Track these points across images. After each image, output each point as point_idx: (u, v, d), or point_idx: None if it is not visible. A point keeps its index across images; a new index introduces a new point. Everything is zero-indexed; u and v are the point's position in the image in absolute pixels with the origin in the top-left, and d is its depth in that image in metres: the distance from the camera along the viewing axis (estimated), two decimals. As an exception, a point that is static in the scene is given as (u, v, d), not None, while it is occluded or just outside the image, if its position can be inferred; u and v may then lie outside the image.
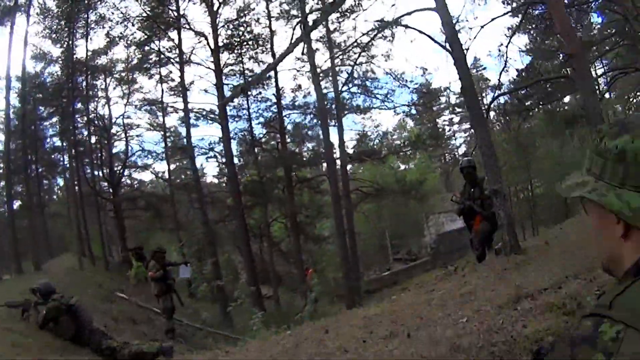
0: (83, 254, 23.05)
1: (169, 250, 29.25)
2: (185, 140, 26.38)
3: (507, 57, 14.62)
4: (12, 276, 18.17)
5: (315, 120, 26.30)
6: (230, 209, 25.23)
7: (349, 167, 27.31)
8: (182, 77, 24.36)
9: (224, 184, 28.37)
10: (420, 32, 11.43)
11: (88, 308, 10.53)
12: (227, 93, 24.49)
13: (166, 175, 30.63)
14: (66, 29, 24.01)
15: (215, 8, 23.72)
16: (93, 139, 28.76)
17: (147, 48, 25.49)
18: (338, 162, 23.33)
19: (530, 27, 21.32)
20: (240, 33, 25.19)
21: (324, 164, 26.10)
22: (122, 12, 24.12)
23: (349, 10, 22.88)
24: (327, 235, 28.92)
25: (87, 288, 14.15)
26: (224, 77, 24.58)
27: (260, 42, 25.87)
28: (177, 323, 12.20)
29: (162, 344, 7.74)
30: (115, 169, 29.16)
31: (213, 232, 23.06)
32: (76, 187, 25.68)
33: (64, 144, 26.69)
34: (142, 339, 9.44)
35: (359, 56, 19.83)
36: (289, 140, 27.17)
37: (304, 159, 27.22)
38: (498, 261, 8.09)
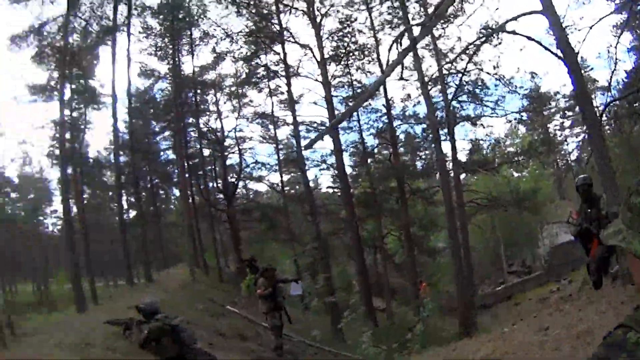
0: (197, 264, 24.95)
1: (283, 261, 31.28)
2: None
3: (616, 59, 14.34)
4: (124, 287, 19.58)
5: (426, 130, 27.02)
6: (344, 221, 26.52)
7: (462, 176, 27.62)
8: (289, 90, 25.75)
9: (338, 196, 29.64)
10: (529, 38, 11.36)
11: (196, 324, 11.35)
12: (337, 106, 25.78)
13: (280, 186, 32.45)
14: (171, 45, 26.23)
15: (318, 20, 24.76)
16: (206, 152, 31.21)
17: (254, 62, 27.07)
18: (451, 172, 23.86)
19: (635, 23, 20.66)
20: (345, 44, 26.16)
21: (437, 175, 26.80)
22: (223, 29, 26.18)
23: (452, 16, 23.12)
24: (441, 247, 29.55)
25: (198, 302, 15.00)
26: (332, 89, 25.61)
27: (366, 52, 26.74)
28: (286, 339, 12.64)
29: None
30: (230, 180, 31.31)
31: (326, 245, 23.99)
32: (189, 199, 27.55)
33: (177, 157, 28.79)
34: (248, 356, 10.24)
35: (467, 64, 19.99)
36: (401, 150, 28.01)
37: (417, 169, 28.00)
38: (615, 291, 7.95)
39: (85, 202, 25.25)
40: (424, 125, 26.57)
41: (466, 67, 19.85)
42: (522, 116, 28.41)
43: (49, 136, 30.00)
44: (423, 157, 30.06)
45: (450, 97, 23.04)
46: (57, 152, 29.54)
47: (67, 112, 27.66)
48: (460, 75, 21.72)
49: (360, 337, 11.92)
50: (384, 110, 26.88)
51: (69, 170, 30.41)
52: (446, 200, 21.63)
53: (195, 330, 10.44)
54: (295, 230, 29.25)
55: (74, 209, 33.74)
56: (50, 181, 41.79)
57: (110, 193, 38.08)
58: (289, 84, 25.76)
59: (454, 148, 24.55)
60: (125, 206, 40.10)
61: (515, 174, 35.21)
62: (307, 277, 16.44)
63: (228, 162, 31.99)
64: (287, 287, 12.44)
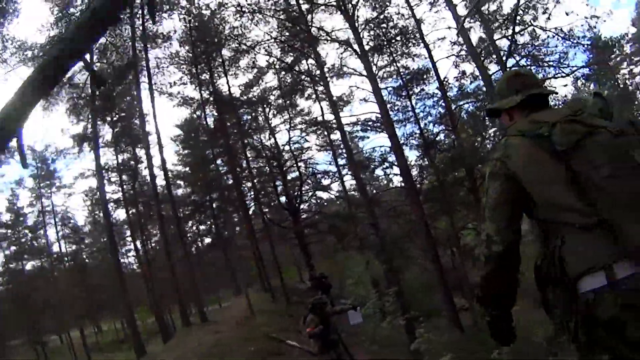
0: (264, 289, 24.94)
1: (356, 272, 30.68)
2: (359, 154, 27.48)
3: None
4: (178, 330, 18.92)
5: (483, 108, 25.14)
6: (414, 222, 25.42)
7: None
8: (328, 91, 25.27)
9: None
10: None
11: None
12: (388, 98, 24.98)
13: (344, 193, 31.85)
14: (206, 69, 26.75)
15: (350, 13, 23.95)
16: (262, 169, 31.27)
17: (296, 68, 27.02)
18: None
19: None
20: (384, 31, 25.36)
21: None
22: (252, 39, 26.18)
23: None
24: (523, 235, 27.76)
25: (251, 341, 14.59)
26: (379, 81, 24.79)
27: (409, 35, 25.68)
28: None
29: None
30: (293, 195, 31.03)
31: (392, 255, 22.99)
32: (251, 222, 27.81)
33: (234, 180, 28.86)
34: None
35: (514, 25, 18.42)
36: (465, 134, 26.50)
37: (487, 152, 26.11)
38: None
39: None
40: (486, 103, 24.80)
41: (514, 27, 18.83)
42: (591, 69, 25.85)
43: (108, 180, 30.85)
44: (492, 137, 28.00)
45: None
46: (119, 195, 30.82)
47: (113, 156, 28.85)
48: (511, 37, 20.28)
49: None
50: (439, 94, 25.78)
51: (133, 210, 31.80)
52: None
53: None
54: (366, 236, 27.93)
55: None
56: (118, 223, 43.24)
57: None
58: (326, 85, 25.25)
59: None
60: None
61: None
62: (373, 296, 14.87)
63: (289, 177, 31.99)
64: (342, 318, 11.52)
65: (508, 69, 21.05)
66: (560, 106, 2.66)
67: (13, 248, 43.40)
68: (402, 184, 25.70)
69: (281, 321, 19.16)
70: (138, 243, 36.84)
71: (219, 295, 57.29)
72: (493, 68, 23.53)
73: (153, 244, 35.25)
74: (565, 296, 2.04)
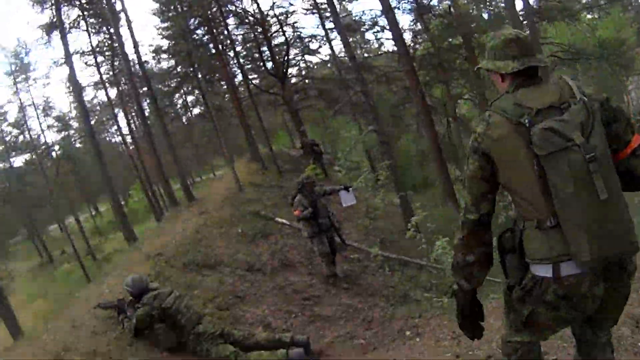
0: (254, 158, 24.61)
1: (349, 139, 30.20)
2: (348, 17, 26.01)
3: None
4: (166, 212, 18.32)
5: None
6: (408, 90, 24.55)
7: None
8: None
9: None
10: None
11: (225, 262, 10.52)
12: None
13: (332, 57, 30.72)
14: None
15: None
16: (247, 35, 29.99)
17: None
18: (525, 22, 20.90)
19: None
20: None
21: (508, 25, 23.64)
22: None
23: None
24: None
25: (239, 220, 13.87)
26: None
27: None
28: (349, 258, 11.69)
29: (293, 339, 6.79)
30: (279, 60, 29.98)
31: (383, 121, 22.23)
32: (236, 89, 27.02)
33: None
34: (285, 300, 9.22)
35: None
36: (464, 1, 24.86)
37: (484, 21, 24.64)
38: None
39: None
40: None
41: None
42: None
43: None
44: (490, 5, 26.27)
45: None
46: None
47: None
48: None
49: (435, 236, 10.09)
50: None
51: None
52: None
53: (224, 277, 9.63)
54: (359, 102, 27.09)
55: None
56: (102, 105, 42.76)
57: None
58: None
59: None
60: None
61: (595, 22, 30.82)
62: (368, 171, 14.12)
63: (274, 42, 30.61)
64: (331, 202, 11.14)
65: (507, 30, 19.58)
66: (552, 80, 2.58)
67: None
68: (395, 50, 24.32)
69: (271, 194, 18.67)
70: (124, 123, 36.50)
71: (213, 164, 58.16)
72: None
73: (138, 122, 34.46)
74: (519, 266, 2.55)
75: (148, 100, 32.33)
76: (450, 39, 23.85)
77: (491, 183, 2.53)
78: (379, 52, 32.02)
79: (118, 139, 46.28)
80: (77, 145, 50.05)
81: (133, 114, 34.85)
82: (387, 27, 23.75)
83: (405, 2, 25.07)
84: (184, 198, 18.18)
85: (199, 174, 58.36)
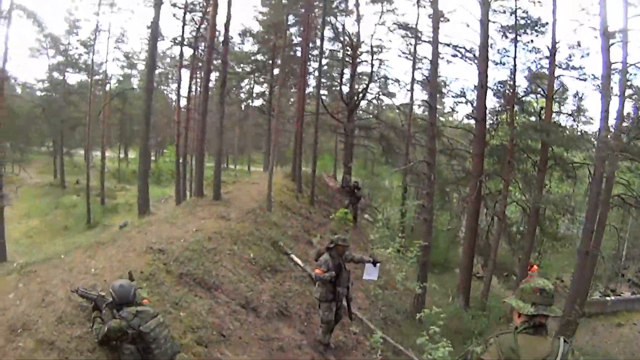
0: (293, 177, 24.04)
1: (391, 189, 29.46)
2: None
3: None
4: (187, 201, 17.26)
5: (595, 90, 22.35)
6: (467, 173, 23.85)
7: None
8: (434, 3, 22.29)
9: (470, 140, 26.47)
10: None
11: (225, 289, 9.80)
12: (493, 34, 22.09)
13: (409, 109, 30.09)
14: None
15: None
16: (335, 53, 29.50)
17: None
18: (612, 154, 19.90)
19: None
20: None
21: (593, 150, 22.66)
22: None
23: None
24: (567, 234, 26.33)
25: (255, 243, 13.20)
26: (490, 12, 21.75)
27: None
28: (347, 328, 10.93)
29: None
30: (356, 90, 29.58)
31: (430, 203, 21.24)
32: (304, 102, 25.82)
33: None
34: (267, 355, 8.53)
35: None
36: (556, 108, 23.86)
37: (568, 136, 23.61)
38: None
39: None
40: (593, 84, 21.93)
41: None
42: None
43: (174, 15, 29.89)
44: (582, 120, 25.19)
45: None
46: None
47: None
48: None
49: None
50: (546, 53, 22.26)
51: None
52: (594, 187, 18.44)
53: (217, 306, 9.00)
54: (414, 160, 26.37)
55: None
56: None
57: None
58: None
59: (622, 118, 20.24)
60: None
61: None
62: (396, 241, 13.26)
63: (359, 69, 30.26)
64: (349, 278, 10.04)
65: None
66: (552, 339, 3.63)
67: (60, 58, 43.61)
68: (472, 130, 23.55)
69: (297, 223, 18.13)
70: (186, 86, 36.34)
71: (252, 157, 58.15)
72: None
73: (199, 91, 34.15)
74: None
75: (217, 75, 32.15)
76: (530, 141, 22.88)
77: None
78: (456, 125, 31.09)
79: (174, 97, 45.99)
80: (134, 87, 50.15)
81: (198, 81, 34.53)
82: (474, 105, 22.98)
83: (500, 86, 24.15)
84: (211, 190, 17.47)
85: (235, 161, 58.49)
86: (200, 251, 10.70)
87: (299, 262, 13.65)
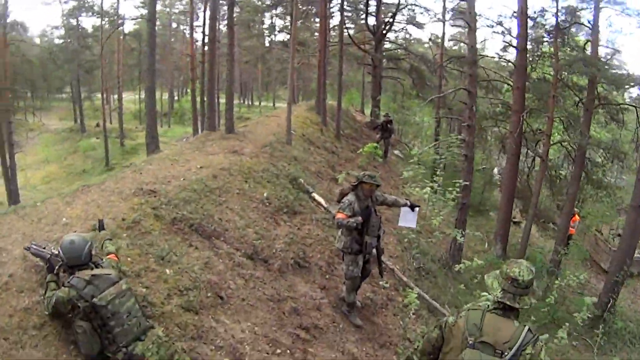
0: (317, 109, 22.41)
1: (421, 125, 27.47)
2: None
3: None
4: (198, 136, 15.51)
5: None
6: (507, 107, 21.54)
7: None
8: None
9: (509, 72, 24.00)
10: None
11: (229, 239, 8.10)
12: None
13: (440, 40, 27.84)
14: None
15: None
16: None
17: None
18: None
19: None
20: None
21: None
22: None
23: None
24: (614, 184, 23.95)
25: (269, 180, 11.21)
26: None
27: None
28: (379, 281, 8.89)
29: None
30: (383, 19, 27.63)
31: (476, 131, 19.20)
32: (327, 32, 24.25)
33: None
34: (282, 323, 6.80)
35: None
36: (602, 44, 20.97)
37: (619, 74, 20.94)
38: None
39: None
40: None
41: None
42: None
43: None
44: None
45: None
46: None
47: None
48: None
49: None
50: None
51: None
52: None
53: (216, 258, 7.27)
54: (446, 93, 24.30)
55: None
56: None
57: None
58: None
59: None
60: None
61: None
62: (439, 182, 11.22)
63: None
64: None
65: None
66: (515, 324, 3.57)
67: (73, 3, 42.97)
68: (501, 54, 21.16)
69: (320, 158, 16.30)
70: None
71: (277, 94, 56.81)
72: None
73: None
74: None
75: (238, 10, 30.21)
76: (574, 77, 20.45)
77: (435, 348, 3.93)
78: (495, 55, 28.65)
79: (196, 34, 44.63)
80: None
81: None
82: (514, 34, 20.38)
83: (541, 14, 21.49)
84: (224, 125, 15.54)
85: (260, 98, 58.19)
86: (202, 191, 8.89)
87: (322, 201, 11.67)
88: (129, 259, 6.07)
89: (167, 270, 6.24)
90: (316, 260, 8.96)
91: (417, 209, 8.15)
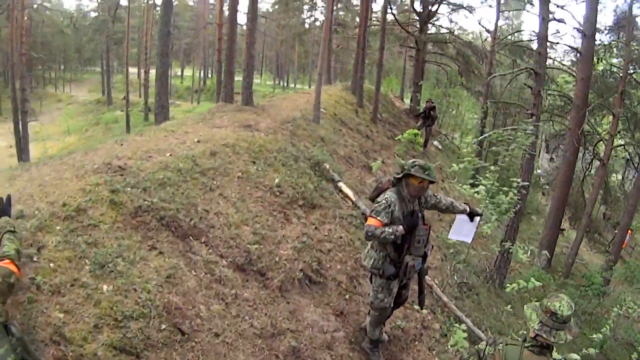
0: (353, 90, 20.42)
1: (466, 116, 25.19)
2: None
3: None
4: (216, 106, 13.92)
5: None
6: (569, 101, 18.85)
7: None
8: None
9: (572, 63, 21.48)
10: None
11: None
12: None
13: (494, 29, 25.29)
14: None
15: None
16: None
17: None
18: None
19: None
20: None
21: None
22: None
23: None
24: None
25: (285, 165, 8.69)
26: None
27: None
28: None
29: None
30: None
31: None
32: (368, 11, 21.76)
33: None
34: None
35: None
36: None
37: None
38: None
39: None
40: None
41: None
42: None
43: None
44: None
45: None
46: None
47: None
48: None
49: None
50: None
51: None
52: None
53: (186, 267, 5.09)
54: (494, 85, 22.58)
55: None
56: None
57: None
58: None
59: None
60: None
61: None
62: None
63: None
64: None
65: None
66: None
67: None
68: (577, 48, 18.48)
69: (352, 141, 13.99)
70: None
71: (313, 77, 55.88)
72: None
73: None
74: None
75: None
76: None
77: None
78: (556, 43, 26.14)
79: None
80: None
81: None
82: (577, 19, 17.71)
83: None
84: (243, 97, 13.40)
85: (296, 80, 58.09)
86: (189, 172, 6.63)
87: (350, 194, 9.30)
88: (51, 264, 4.03)
89: (105, 287, 4.11)
90: (334, 273, 6.71)
91: (477, 218, 5.91)
